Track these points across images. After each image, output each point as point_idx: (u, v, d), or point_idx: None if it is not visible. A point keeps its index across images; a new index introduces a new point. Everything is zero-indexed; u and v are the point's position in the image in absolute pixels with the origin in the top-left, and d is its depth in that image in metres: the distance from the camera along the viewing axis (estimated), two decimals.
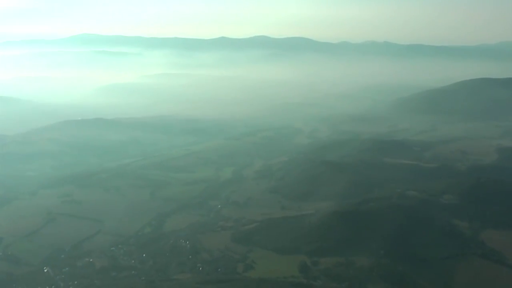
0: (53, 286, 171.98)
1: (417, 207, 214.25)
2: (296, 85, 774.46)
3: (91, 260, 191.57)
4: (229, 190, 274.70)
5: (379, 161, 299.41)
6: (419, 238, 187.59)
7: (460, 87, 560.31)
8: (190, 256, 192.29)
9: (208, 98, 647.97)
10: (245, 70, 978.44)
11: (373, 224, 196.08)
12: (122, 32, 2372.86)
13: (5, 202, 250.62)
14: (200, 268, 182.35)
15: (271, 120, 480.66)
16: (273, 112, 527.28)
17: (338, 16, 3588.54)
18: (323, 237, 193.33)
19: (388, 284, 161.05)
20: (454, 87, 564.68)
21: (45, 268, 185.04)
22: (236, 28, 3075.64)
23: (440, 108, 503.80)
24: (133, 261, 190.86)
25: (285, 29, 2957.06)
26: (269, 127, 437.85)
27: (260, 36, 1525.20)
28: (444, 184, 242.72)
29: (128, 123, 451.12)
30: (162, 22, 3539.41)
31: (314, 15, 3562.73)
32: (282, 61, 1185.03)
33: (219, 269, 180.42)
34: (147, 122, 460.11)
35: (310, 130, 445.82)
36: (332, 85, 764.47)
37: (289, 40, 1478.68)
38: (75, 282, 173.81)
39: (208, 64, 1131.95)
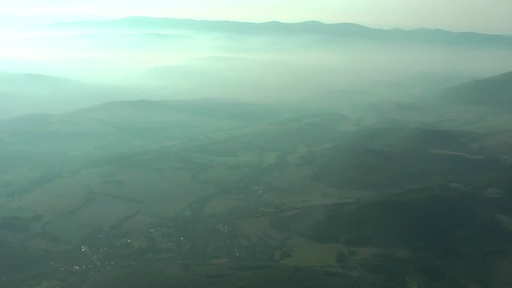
0: (89, 265, 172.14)
1: (460, 200, 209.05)
2: (345, 72, 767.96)
3: (129, 241, 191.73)
4: (271, 175, 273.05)
5: (424, 151, 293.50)
6: (460, 232, 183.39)
7: (510, 77, 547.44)
8: (227, 241, 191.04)
9: (256, 83, 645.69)
10: (294, 55, 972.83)
11: (413, 216, 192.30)
12: (173, 15, 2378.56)
13: (47, 180, 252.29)
14: (237, 254, 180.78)
15: (317, 106, 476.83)
16: (320, 98, 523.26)
17: (391, 2, 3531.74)
18: (363, 226, 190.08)
19: (426, 278, 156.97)
20: (504, 78, 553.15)
21: (82, 247, 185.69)
22: (288, 12, 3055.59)
23: (489, 98, 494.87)
24: (170, 244, 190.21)
25: (337, 15, 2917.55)
26: (315, 113, 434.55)
27: (311, 21, 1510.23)
28: (489, 177, 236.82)
29: (174, 105, 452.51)
30: (213, 5, 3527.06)
31: (366, 1, 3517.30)
32: (332, 47, 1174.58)
33: (255, 255, 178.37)
34: (192, 104, 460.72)
35: (356, 117, 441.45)
36: (381, 73, 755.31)
37: (340, 26, 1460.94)
38: (112, 262, 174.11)
39: (258, 48, 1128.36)
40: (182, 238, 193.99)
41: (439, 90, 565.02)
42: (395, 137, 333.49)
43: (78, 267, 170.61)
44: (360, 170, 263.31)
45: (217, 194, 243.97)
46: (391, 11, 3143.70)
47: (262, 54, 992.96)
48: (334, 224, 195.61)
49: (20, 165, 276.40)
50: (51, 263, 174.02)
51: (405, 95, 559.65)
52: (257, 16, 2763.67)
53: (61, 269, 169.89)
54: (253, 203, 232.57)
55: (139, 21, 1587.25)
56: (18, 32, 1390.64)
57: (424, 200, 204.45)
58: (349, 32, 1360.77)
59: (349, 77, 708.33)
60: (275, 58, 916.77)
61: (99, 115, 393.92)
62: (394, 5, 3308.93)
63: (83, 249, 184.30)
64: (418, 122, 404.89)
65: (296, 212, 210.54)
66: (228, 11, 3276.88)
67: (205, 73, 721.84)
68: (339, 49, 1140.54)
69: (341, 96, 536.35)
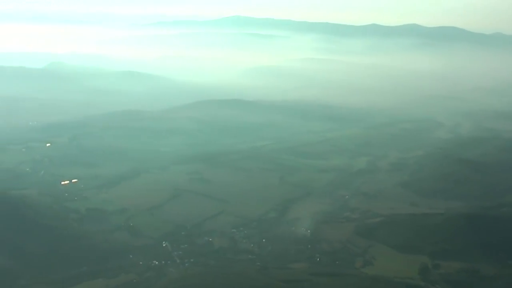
0: (169, 261, 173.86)
1: None
2: (444, 77, 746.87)
3: (210, 239, 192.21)
4: (360, 180, 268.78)
5: None
6: None
7: None
8: (309, 246, 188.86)
9: (351, 85, 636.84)
10: (392, 59, 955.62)
11: (504, 231, 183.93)
12: (273, 15, 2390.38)
13: (135, 175, 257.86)
14: (318, 259, 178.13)
15: (412, 111, 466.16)
16: (415, 103, 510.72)
17: (493, 5, 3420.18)
18: (449, 239, 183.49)
19: None
20: None
21: (164, 242, 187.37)
22: (388, 15, 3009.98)
23: None
24: (252, 245, 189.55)
25: (437, 18, 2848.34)
26: (409, 119, 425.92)
27: (411, 24, 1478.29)
28: None
29: (267, 105, 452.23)
30: (314, 6, 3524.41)
31: (468, 3, 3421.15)
32: (432, 51, 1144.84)
33: (337, 262, 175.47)
34: (286, 105, 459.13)
35: (451, 124, 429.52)
36: (481, 79, 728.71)
37: (441, 29, 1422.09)
38: (191, 260, 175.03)
39: (356, 51, 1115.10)
40: (263, 240, 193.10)
41: None
42: (490, 147, 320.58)
43: (157, 262, 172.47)
44: (451, 180, 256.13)
45: (303, 197, 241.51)
46: (493, 14, 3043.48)
47: (359, 57, 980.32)
48: (420, 234, 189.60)
49: (109, 159, 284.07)
50: (131, 256, 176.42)
51: (505, 103, 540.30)
52: (356, 18, 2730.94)
53: (140, 263, 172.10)
54: (338, 208, 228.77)
55: (239, 20, 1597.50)
56: (120, 31, 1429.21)
57: None
58: (449, 36, 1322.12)
59: (447, 82, 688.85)
60: (373, 61, 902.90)
61: (191, 113, 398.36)
62: (496, 8, 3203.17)
63: (164, 245, 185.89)
64: None
65: (382, 220, 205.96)
66: (327, 12, 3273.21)
67: (301, 75, 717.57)
68: (438, 53, 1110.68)
69: (438, 102, 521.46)
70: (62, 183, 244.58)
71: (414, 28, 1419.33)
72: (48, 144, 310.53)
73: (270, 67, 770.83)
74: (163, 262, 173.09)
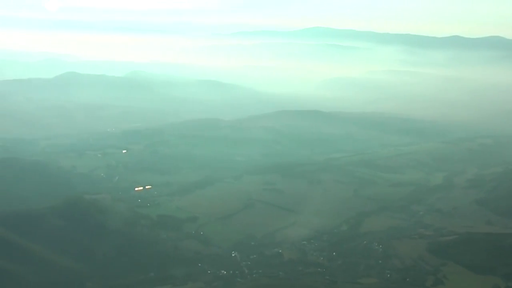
0: (237, 271, 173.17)
1: None
2: None
3: (280, 251, 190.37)
4: (435, 196, 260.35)
5: None
6: None
7: None
8: (380, 261, 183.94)
9: (431, 98, 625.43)
10: (475, 72, 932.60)
11: None
12: (355, 27, 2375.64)
13: (209, 183, 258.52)
14: (388, 275, 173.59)
15: (493, 126, 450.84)
16: (496, 118, 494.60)
17: None
18: None
19: None
20: None
21: (233, 252, 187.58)
22: (471, 26, 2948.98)
23: None
24: (321, 258, 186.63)
25: None
26: (489, 134, 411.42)
27: (494, 36, 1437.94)
28: None
29: (345, 117, 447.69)
30: (396, 17, 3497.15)
31: None
32: None
33: (407, 279, 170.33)
34: (364, 117, 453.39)
35: None
36: None
37: None
38: (260, 271, 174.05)
39: (437, 63, 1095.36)
40: (334, 253, 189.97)
41: None
42: None
43: (225, 272, 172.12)
44: None
45: (376, 211, 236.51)
46: None
47: (441, 69, 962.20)
48: (495, 255, 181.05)
49: (184, 167, 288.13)
50: (200, 264, 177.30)
51: None
52: (439, 30, 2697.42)
53: (209, 272, 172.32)
54: (412, 224, 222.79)
55: (320, 32, 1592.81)
56: (201, 40, 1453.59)
57: None
58: None
59: None
60: (455, 73, 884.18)
61: (268, 123, 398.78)
62: None
63: (233, 255, 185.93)
64: None
65: (456, 238, 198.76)
66: (409, 23, 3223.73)
67: (382, 87, 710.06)
68: None
69: None
70: (136, 189, 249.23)
71: (498, 40, 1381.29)
72: (124, 151, 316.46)
73: (350, 78, 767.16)
74: (231, 272, 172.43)
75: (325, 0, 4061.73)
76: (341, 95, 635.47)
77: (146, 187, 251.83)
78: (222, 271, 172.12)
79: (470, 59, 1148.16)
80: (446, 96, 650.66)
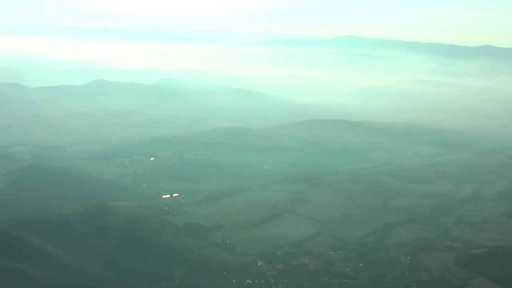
0: (262, 280, 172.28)
1: None
2: None
3: (306, 261, 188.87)
4: (464, 208, 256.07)
5: None
6: None
7: None
8: (407, 273, 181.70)
9: (462, 109, 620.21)
10: (505, 82, 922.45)
11: None
12: (385, 36, 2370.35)
13: (235, 192, 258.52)
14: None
15: None
16: None
17: None
18: None
19: None
20: None
21: (259, 261, 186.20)
22: (502, 36, 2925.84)
23: None
24: (348, 269, 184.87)
25: None
26: None
27: None
28: None
29: (373, 127, 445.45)
30: (427, 27, 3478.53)
31: None
32: None
33: None
34: (392, 127, 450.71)
35: None
36: None
37: None
38: (285, 281, 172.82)
39: (468, 73, 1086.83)
40: (361, 264, 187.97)
41: None
42: None
43: (250, 281, 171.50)
44: None
45: (404, 223, 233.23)
46: None
47: (472, 79, 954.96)
48: None
49: (212, 175, 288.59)
50: (225, 273, 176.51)
51: None
52: (470, 39, 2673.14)
53: (234, 280, 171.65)
54: (440, 236, 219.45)
55: (350, 41, 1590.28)
56: (232, 48, 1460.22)
57: None
58: None
59: None
60: (486, 83, 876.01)
61: (296, 132, 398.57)
62: None
63: (259, 264, 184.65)
64: None
65: (484, 251, 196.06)
66: (441, 33, 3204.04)
67: (411, 96, 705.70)
68: None
69: None
70: (163, 196, 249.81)
71: None
72: (152, 158, 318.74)
73: (379, 88, 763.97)
74: (256, 281, 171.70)
75: (357, 9, 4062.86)
76: (369, 105, 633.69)
77: (173, 194, 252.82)
78: (248, 280, 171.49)
79: (501, 69, 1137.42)
80: (476, 106, 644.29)
